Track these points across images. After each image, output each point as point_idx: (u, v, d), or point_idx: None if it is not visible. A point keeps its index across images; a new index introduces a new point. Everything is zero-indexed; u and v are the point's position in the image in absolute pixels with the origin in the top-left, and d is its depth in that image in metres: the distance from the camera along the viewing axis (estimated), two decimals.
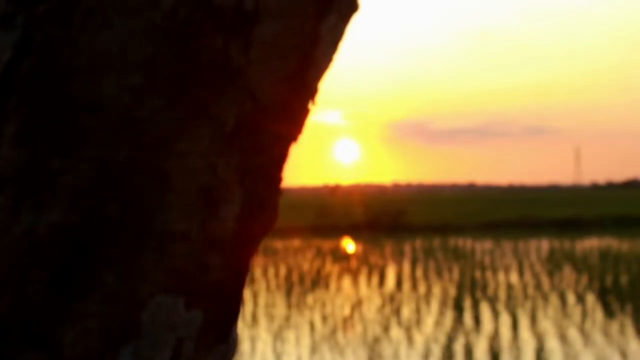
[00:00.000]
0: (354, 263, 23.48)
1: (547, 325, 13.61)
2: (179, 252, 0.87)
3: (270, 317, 14.67)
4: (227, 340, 0.96)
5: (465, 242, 30.53)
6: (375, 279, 19.65)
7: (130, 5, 0.84)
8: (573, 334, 12.99)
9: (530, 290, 16.70)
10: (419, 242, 30.38)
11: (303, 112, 0.94)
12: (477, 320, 13.94)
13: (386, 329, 13.47)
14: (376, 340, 12.64)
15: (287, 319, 14.44)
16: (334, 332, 13.24)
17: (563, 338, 12.62)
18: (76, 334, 0.85)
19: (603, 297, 15.75)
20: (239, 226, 0.90)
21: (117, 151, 0.85)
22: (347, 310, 15.07)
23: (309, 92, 0.93)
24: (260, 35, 0.88)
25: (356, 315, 14.57)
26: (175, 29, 0.85)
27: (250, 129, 0.89)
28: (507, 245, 29.23)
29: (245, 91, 0.88)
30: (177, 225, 0.86)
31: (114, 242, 0.85)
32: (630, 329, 13.14)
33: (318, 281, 18.92)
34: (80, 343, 0.85)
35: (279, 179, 0.93)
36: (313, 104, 0.94)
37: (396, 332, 13.32)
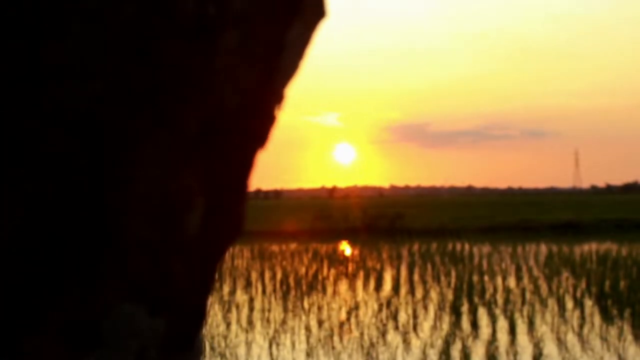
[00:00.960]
0: (350, 267, 23.46)
1: (545, 330, 13.59)
2: (141, 260, 0.86)
3: (266, 321, 14.65)
4: (191, 348, 0.95)
5: (463, 246, 30.49)
6: (372, 283, 19.63)
7: (90, 11, 0.83)
8: (571, 339, 12.96)
9: (528, 295, 16.67)
10: (416, 246, 30.35)
11: (269, 120, 0.93)
12: (474, 324, 13.92)
13: (383, 333, 13.45)
14: (373, 344, 12.61)
15: (283, 322, 14.41)
16: (330, 336, 13.22)
17: (561, 343, 12.60)
18: (37, 343, 0.83)
19: (601, 301, 15.73)
20: (203, 234, 0.89)
21: (77, 159, 0.83)
22: (343, 314, 15.05)
23: (275, 99, 0.92)
24: (224, 42, 0.87)
25: (353, 319, 14.55)
26: (136, 36, 0.84)
27: (215, 137, 0.88)
28: (505, 249, 29.20)
29: (209, 98, 0.86)
30: (139, 232, 0.85)
31: (75, 250, 0.83)
32: (628, 334, 13.12)
33: (315, 285, 18.89)
34: (42, 352, 0.83)
35: (244, 187, 0.92)
36: (279, 110, 0.93)
37: (393, 337, 13.30)
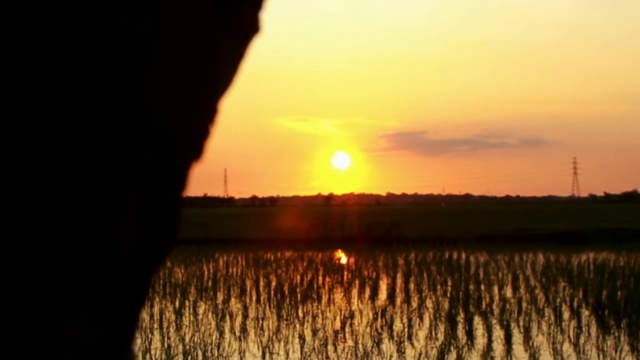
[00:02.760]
0: (346, 275, 23.32)
1: (541, 340, 13.45)
2: (75, 271, 0.86)
3: (260, 330, 14.50)
4: (124, 358, 0.94)
5: (459, 255, 30.39)
6: (367, 292, 19.49)
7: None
8: (567, 349, 12.83)
9: (525, 305, 16.53)
10: (412, 254, 30.25)
11: (204, 133, 0.93)
12: (470, 334, 13.79)
13: (378, 342, 13.31)
14: (367, 353, 12.47)
15: (278, 331, 14.26)
16: (324, 345, 13.07)
17: (557, 353, 12.47)
18: None
19: (598, 312, 15.59)
20: (137, 245, 0.89)
21: (14, 174, 0.83)
22: (338, 323, 14.90)
23: (209, 113, 0.93)
24: (157, 57, 0.87)
25: (347, 328, 14.40)
26: (67, 53, 0.82)
27: (149, 150, 0.87)
28: (502, 258, 29.10)
29: (143, 113, 0.86)
30: (73, 243, 0.85)
31: (9, 260, 0.83)
32: (625, 345, 12.99)
33: (309, 293, 18.74)
34: None
35: (179, 200, 0.92)
36: (213, 125, 0.94)
37: (388, 346, 13.16)
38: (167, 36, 0.86)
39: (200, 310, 16.66)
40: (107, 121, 0.84)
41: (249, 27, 0.93)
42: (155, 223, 0.89)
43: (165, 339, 13.78)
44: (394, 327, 14.47)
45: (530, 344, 13.06)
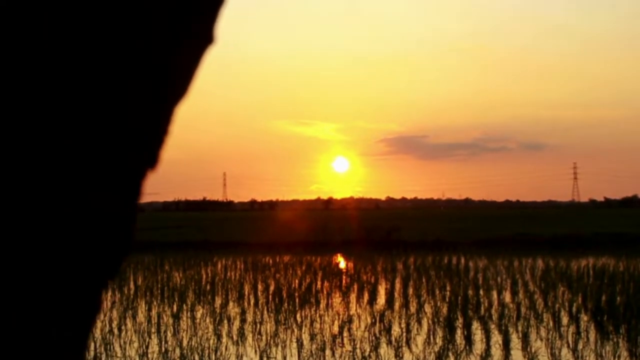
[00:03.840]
0: (344, 279, 23.27)
1: (539, 345, 13.41)
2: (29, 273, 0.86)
3: (258, 334, 14.45)
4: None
5: (459, 260, 30.34)
6: (366, 296, 19.44)
7: None
8: (566, 354, 12.78)
9: (524, 310, 16.48)
10: (411, 259, 30.20)
11: (158, 141, 0.93)
12: (468, 339, 13.74)
13: (376, 347, 13.26)
14: (365, 358, 12.42)
15: (275, 335, 14.21)
16: (322, 350, 13.02)
17: (555, 359, 12.42)
18: None
19: (597, 317, 15.54)
20: (91, 253, 0.88)
21: None
22: (336, 328, 14.85)
23: (163, 121, 0.93)
24: (115, 65, 0.87)
25: (345, 333, 14.35)
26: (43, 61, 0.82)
27: (103, 159, 0.87)
28: (502, 263, 29.04)
29: (96, 122, 0.86)
30: (30, 245, 0.85)
31: None
32: (624, 350, 12.93)
33: (308, 298, 18.69)
34: None
35: (133, 207, 0.92)
36: (168, 132, 0.94)
37: (386, 351, 13.11)
38: (125, 45, 0.86)
39: (198, 315, 16.61)
40: (63, 126, 0.84)
41: (203, 37, 0.95)
42: (110, 229, 0.89)
43: (163, 343, 13.73)
44: (392, 331, 14.42)
45: (529, 349, 13.01)
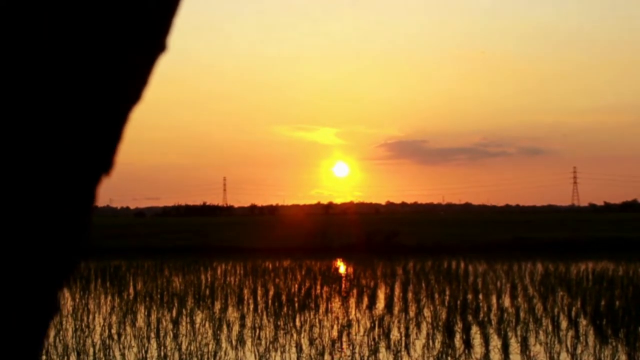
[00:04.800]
0: (344, 284, 23.28)
1: (538, 349, 13.42)
2: None
3: (257, 339, 14.46)
4: None
5: (458, 264, 30.35)
6: (365, 301, 19.45)
7: None
8: (564, 358, 12.79)
9: (523, 314, 16.49)
10: (411, 264, 30.21)
11: (112, 147, 0.94)
12: (467, 343, 13.74)
13: (375, 351, 13.27)
14: None
15: (275, 340, 14.21)
16: (321, 354, 13.03)
17: None
18: None
19: (596, 321, 15.55)
20: (45, 257, 0.89)
21: None
22: (335, 333, 14.86)
23: (117, 126, 0.94)
24: (70, 73, 0.89)
25: (345, 338, 14.36)
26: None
27: (57, 165, 0.88)
28: (501, 268, 29.05)
29: (50, 128, 0.87)
30: None
31: None
32: (623, 355, 12.94)
33: (307, 302, 18.70)
34: None
35: (88, 211, 0.93)
36: (122, 138, 0.95)
37: (385, 356, 13.12)
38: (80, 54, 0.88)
39: (198, 319, 16.62)
40: (15, 132, 0.85)
41: (155, 45, 0.96)
42: (63, 233, 0.90)
43: (162, 347, 13.74)
44: (391, 336, 14.43)
45: (528, 353, 13.03)
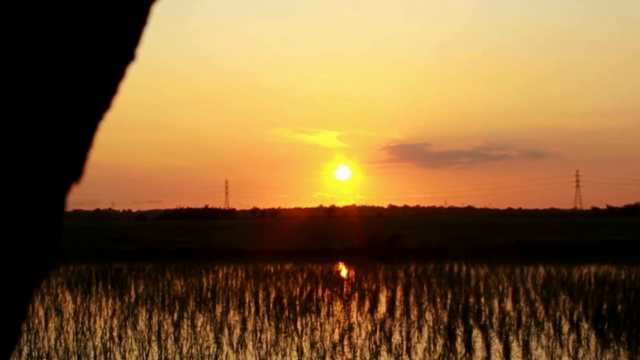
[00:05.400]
0: (345, 287, 23.25)
1: (540, 353, 13.38)
2: None
3: (259, 342, 14.43)
4: None
5: (460, 268, 30.30)
6: (367, 304, 19.41)
7: None
8: None
9: (524, 318, 16.46)
10: (413, 267, 30.17)
11: (82, 154, 0.94)
12: (469, 347, 13.72)
13: (376, 355, 13.25)
14: None
15: (276, 344, 14.19)
16: (322, 358, 13.01)
17: None
18: None
19: (598, 325, 15.51)
20: (15, 264, 0.89)
21: None
22: (336, 336, 14.83)
23: (87, 134, 0.94)
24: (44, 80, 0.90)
25: (346, 341, 14.34)
26: None
27: (28, 173, 0.88)
28: (503, 271, 29.01)
29: (21, 137, 0.88)
30: None
31: None
32: (624, 359, 12.91)
33: (308, 306, 18.67)
34: None
35: (58, 218, 0.92)
36: (92, 145, 0.96)
37: (386, 359, 13.10)
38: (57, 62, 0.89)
39: (199, 322, 16.60)
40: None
41: (126, 57, 0.98)
42: (34, 240, 0.90)
43: (163, 351, 13.72)
44: (392, 340, 14.40)
45: (529, 357, 12.99)
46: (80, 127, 0.93)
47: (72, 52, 0.90)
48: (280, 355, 13.41)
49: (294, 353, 13.52)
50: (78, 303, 20.27)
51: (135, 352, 13.72)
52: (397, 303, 19.39)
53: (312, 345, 13.98)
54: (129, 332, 15.56)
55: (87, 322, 16.91)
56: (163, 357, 13.23)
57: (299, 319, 16.89)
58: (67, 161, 0.93)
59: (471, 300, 19.34)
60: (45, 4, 0.87)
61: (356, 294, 21.32)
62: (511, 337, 14.25)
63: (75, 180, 0.94)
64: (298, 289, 22.18)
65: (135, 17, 0.96)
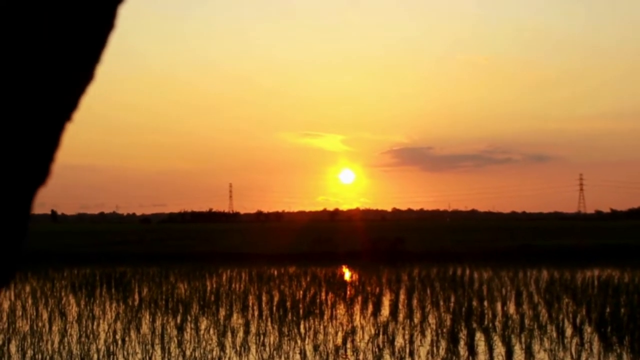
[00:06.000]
0: (349, 291, 23.26)
1: (542, 356, 13.39)
2: None
3: (262, 346, 14.46)
4: None
5: (463, 271, 30.30)
6: (370, 308, 19.43)
7: None
8: None
9: (527, 321, 16.46)
10: (416, 270, 30.17)
11: (47, 159, 0.94)
12: (471, 351, 13.73)
13: (379, 358, 13.26)
14: None
15: (279, 347, 14.22)
16: None
17: None
18: None
19: (601, 328, 15.51)
20: None
21: None
22: (339, 339, 14.85)
23: (53, 139, 0.94)
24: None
25: (349, 344, 14.35)
26: None
27: None
28: (506, 275, 28.99)
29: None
30: None
31: None
32: None
33: (312, 309, 18.69)
34: None
35: (23, 224, 0.92)
36: (55, 151, 0.95)
37: None
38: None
39: (202, 326, 16.63)
40: None
41: (87, 77, 0.99)
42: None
43: (166, 354, 13.75)
44: (395, 343, 14.42)
45: None
46: (45, 130, 0.94)
47: (36, 54, 0.91)
48: (283, 359, 13.43)
49: (297, 356, 13.54)
50: (82, 306, 20.31)
51: (139, 356, 13.75)
52: (401, 306, 19.40)
53: (315, 348, 14.00)
54: (133, 335, 15.60)
55: (90, 325, 16.95)
56: None
57: (302, 322, 16.91)
58: (33, 166, 0.93)
59: (474, 303, 19.34)
60: (7, 9, 0.90)
61: (359, 298, 21.33)
62: (514, 341, 14.26)
63: (42, 183, 0.95)
64: (301, 293, 22.19)
65: (94, 41, 0.98)
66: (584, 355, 13.39)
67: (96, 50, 1.00)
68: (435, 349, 14.00)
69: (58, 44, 0.93)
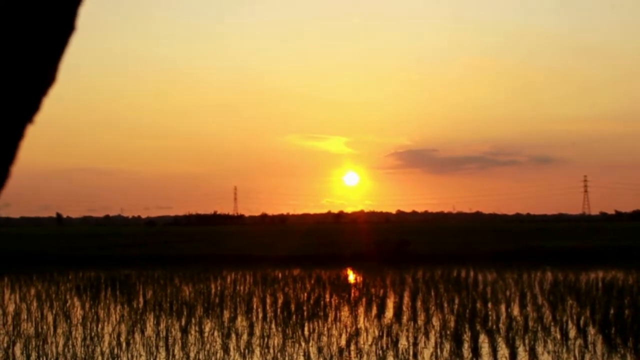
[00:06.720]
0: (353, 293, 23.27)
1: (546, 358, 13.39)
2: None
3: (266, 348, 14.47)
4: None
5: (468, 273, 30.29)
6: (374, 310, 19.44)
7: None
8: None
9: (531, 323, 16.46)
10: (421, 272, 30.17)
11: (7, 160, 0.95)
12: (475, 352, 13.73)
13: None
14: None
15: (283, 349, 14.24)
16: None
17: None
18: None
19: (605, 330, 15.51)
20: None
21: None
22: (343, 341, 14.86)
23: (12, 141, 0.95)
24: None
25: (353, 346, 14.37)
26: None
27: None
28: (511, 277, 28.98)
29: None
30: None
31: None
32: None
33: (316, 311, 18.71)
34: None
35: None
36: (15, 154, 0.96)
37: None
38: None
39: (206, 328, 16.65)
40: None
41: (49, 79, 1.00)
42: None
43: (170, 356, 13.78)
44: (399, 345, 14.43)
45: None
46: (4, 131, 0.96)
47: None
48: None
49: (301, 359, 13.56)
50: (86, 309, 20.35)
51: (143, 358, 13.78)
52: (405, 308, 19.40)
53: (319, 350, 14.02)
54: (137, 337, 15.63)
55: (95, 327, 16.98)
56: None
57: (306, 324, 16.93)
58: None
59: (478, 305, 19.34)
60: None
61: (364, 299, 21.34)
62: (518, 342, 14.26)
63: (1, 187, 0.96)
64: (306, 295, 22.21)
65: (55, 44, 1.00)
66: (587, 357, 13.39)
67: (56, 52, 1.00)
68: (439, 350, 14.01)
69: (18, 45, 0.95)
